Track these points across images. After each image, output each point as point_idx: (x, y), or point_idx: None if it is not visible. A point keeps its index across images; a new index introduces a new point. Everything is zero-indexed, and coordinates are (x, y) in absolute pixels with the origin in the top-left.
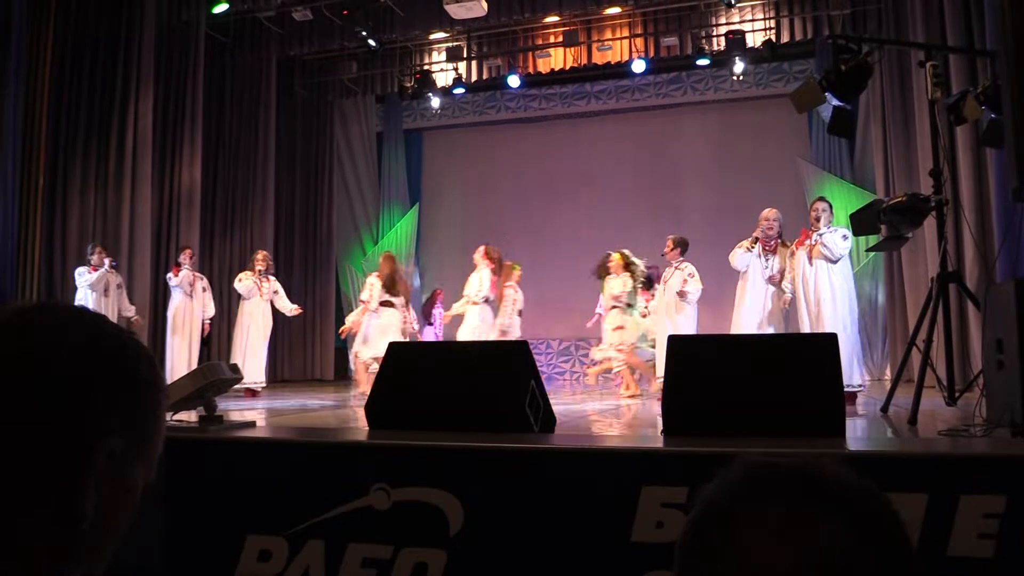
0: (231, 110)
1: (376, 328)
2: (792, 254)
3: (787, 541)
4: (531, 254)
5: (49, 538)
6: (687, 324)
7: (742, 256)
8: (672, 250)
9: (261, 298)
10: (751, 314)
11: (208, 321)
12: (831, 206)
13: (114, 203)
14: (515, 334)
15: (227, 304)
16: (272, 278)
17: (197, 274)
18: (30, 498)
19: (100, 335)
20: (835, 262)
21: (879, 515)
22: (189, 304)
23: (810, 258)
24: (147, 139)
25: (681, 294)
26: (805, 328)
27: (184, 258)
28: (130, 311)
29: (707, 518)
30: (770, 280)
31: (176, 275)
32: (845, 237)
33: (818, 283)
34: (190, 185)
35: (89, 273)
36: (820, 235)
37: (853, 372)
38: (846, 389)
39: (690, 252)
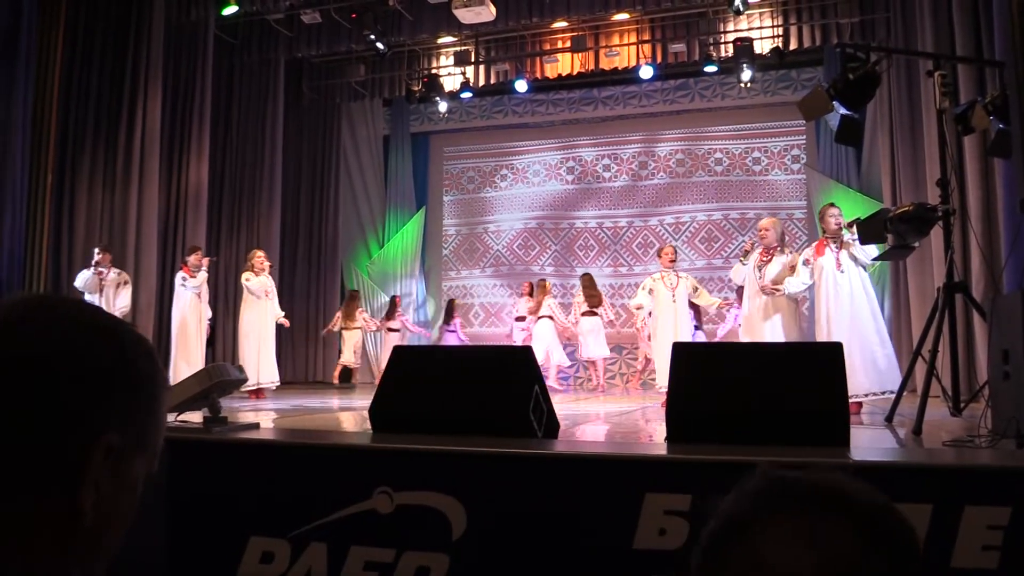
0: (239, 111)
1: None
2: (806, 262)
3: (807, 549)
4: (535, 258)
5: (49, 536)
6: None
7: (740, 270)
8: (675, 259)
9: (267, 297)
10: (764, 326)
11: (209, 323)
12: (840, 212)
13: (121, 202)
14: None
15: (232, 305)
16: (269, 277)
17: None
18: (28, 497)
19: (97, 329)
20: (867, 265)
21: (896, 528)
22: (199, 305)
23: (838, 264)
24: (155, 139)
25: (726, 305)
26: (832, 336)
27: (203, 261)
28: (123, 310)
29: (727, 527)
30: (762, 289)
31: (194, 277)
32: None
33: (853, 291)
34: (197, 185)
35: (82, 273)
36: (854, 239)
37: (893, 378)
38: (879, 396)
39: (696, 261)
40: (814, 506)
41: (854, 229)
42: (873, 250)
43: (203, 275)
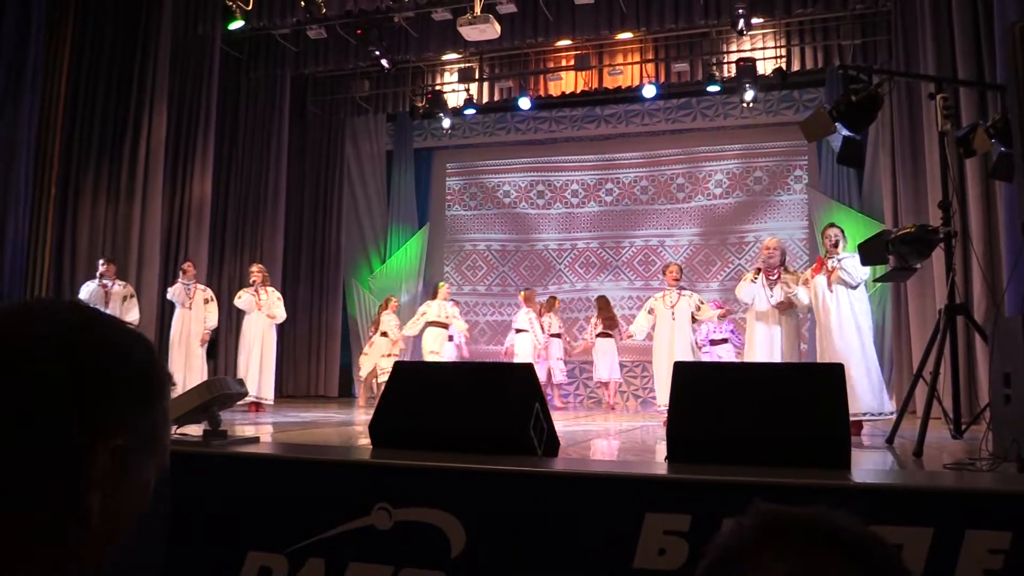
0: (244, 126)
1: None
2: (806, 281)
3: None
4: (538, 276)
5: (54, 540)
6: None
7: (748, 288)
8: (678, 277)
9: (260, 311)
10: (765, 345)
11: (208, 331)
12: (843, 231)
13: (124, 215)
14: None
15: (235, 319)
16: (271, 289)
17: (199, 286)
18: (31, 500)
19: (99, 332)
20: (855, 287)
21: (888, 562)
22: (188, 316)
23: (829, 284)
24: (159, 153)
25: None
26: (827, 357)
27: (187, 270)
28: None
29: (722, 562)
30: (778, 307)
31: (171, 287)
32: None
33: (840, 310)
34: (200, 199)
35: (87, 285)
36: (839, 260)
37: (884, 400)
38: (877, 417)
39: (699, 279)
40: (808, 541)
41: (839, 250)
42: (862, 272)
43: (177, 287)
